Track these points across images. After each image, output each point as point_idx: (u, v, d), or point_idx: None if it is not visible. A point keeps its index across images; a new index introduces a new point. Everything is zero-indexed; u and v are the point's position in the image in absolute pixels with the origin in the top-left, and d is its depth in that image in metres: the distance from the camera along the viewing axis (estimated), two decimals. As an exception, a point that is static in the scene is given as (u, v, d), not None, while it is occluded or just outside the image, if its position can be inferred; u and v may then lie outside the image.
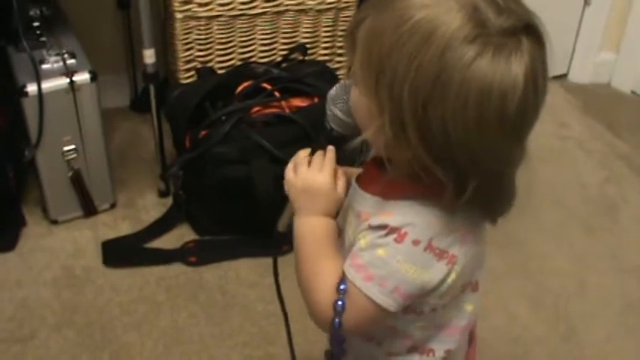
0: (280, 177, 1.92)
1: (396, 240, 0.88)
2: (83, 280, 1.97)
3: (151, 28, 2.02)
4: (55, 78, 1.94)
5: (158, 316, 1.88)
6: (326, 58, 2.34)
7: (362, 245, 0.91)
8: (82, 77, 1.95)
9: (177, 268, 2.02)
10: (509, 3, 0.82)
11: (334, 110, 0.99)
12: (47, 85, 1.92)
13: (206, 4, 2.09)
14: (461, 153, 0.82)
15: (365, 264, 0.90)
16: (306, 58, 2.29)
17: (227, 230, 2.10)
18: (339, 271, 0.93)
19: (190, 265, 2.03)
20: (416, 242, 0.88)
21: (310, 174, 1.01)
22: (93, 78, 1.96)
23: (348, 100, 0.96)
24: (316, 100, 2.11)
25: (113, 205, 2.19)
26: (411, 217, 0.89)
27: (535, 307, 1.98)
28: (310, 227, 0.99)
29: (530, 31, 0.82)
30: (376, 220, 0.91)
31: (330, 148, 1.03)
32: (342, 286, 0.91)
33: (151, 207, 2.21)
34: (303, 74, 2.14)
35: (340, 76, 2.34)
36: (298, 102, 2.09)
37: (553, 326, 1.93)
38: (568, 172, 2.50)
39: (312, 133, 1.99)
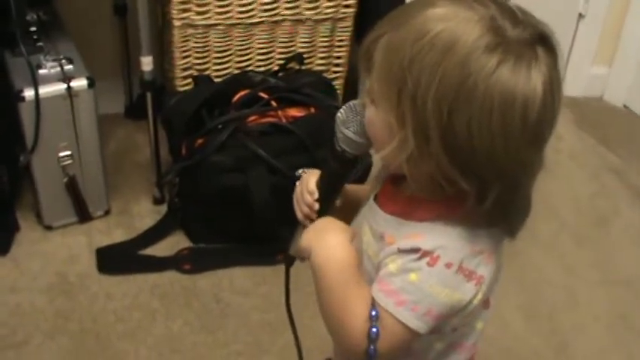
0: (276, 186, 1.95)
1: (428, 264, 0.88)
2: (77, 286, 1.96)
3: (149, 36, 2.03)
4: (53, 84, 1.94)
5: (152, 323, 1.88)
6: (322, 68, 2.35)
7: (392, 270, 0.90)
8: (80, 83, 1.95)
9: (171, 276, 2.02)
10: (525, 15, 0.85)
11: (346, 132, 0.97)
12: (44, 90, 1.92)
13: (204, 13, 2.10)
14: (485, 161, 0.83)
15: (397, 289, 0.89)
16: (303, 67, 2.29)
17: (222, 238, 2.10)
18: (368, 297, 0.91)
19: (185, 273, 2.03)
20: (448, 265, 0.88)
21: (311, 226, 1.02)
22: (90, 84, 1.96)
23: (360, 121, 0.96)
24: (313, 110, 2.12)
25: (108, 212, 2.19)
26: (442, 240, 0.89)
27: (529, 318, 1.99)
28: (329, 255, 0.96)
29: (544, 41, 0.84)
30: (406, 244, 0.90)
31: (312, 190, 1.04)
32: (373, 313, 0.89)
33: (145, 214, 2.20)
34: (300, 84, 2.15)
35: (337, 87, 2.35)
36: (295, 112, 2.10)
37: (546, 338, 1.94)
38: (561, 184, 2.51)
39: (308, 143, 1.99)
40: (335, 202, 1.07)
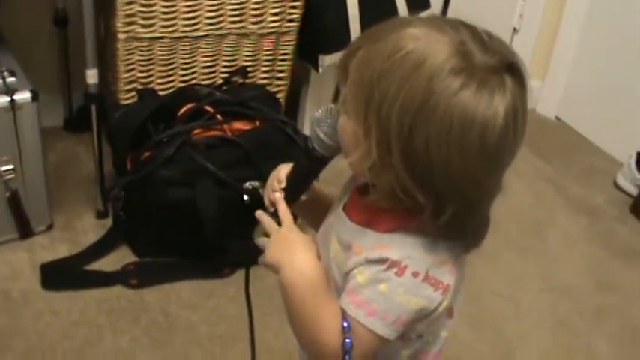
0: (224, 199, 1.94)
1: (397, 274, 0.90)
2: (21, 303, 1.92)
3: (94, 48, 2.00)
4: (-6, 96, 1.90)
5: (100, 339, 1.85)
6: (265, 81, 2.36)
7: (361, 281, 0.92)
8: (23, 96, 1.92)
9: (118, 291, 1.99)
10: (495, 42, 0.87)
11: (318, 132, 1.01)
12: (-14, 103, 1.88)
13: (149, 26, 2.09)
14: (442, 177, 0.85)
15: (366, 300, 0.91)
16: (246, 81, 2.30)
17: (168, 252, 2.09)
18: (338, 310, 0.93)
19: (131, 288, 2.00)
20: (415, 274, 0.91)
21: (276, 236, 1.03)
22: (34, 97, 1.93)
23: (332, 124, 0.99)
24: (258, 123, 2.13)
25: (50, 227, 2.15)
26: (408, 250, 0.91)
27: (475, 327, 2.03)
28: (298, 271, 0.96)
29: (513, 70, 0.87)
30: (374, 254, 0.92)
31: (279, 198, 1.07)
32: (345, 324, 0.92)
33: (89, 229, 2.17)
34: (246, 98, 2.15)
35: (280, 99, 2.36)
36: (240, 125, 2.10)
37: (492, 345, 1.99)
38: (500, 196, 2.57)
39: (255, 155, 2.00)
40: (300, 196, 1.11)
